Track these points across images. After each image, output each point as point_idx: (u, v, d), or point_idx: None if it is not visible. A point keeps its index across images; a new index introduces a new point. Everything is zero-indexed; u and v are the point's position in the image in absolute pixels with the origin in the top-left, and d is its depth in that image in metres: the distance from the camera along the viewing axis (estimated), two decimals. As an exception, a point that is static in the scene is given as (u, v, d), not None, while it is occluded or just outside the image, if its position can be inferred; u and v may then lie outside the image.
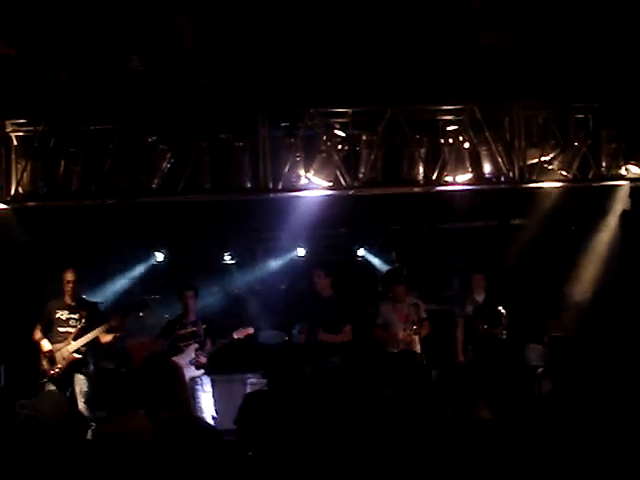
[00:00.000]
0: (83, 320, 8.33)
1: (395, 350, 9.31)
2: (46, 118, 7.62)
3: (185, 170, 7.70)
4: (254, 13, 7.00)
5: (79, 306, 8.43)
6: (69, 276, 8.40)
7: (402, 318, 9.45)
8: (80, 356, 8.26)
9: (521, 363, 9.19)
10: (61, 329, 8.33)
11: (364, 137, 7.77)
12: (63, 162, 7.57)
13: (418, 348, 9.39)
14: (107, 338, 8.42)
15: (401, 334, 9.33)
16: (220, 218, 13.18)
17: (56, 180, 7.60)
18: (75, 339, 8.25)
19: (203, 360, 9.16)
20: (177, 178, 7.77)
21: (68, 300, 8.41)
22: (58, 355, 8.20)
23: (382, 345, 9.86)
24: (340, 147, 7.78)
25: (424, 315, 9.68)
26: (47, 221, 10.72)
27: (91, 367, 8.52)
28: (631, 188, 8.70)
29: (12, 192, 7.65)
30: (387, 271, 12.28)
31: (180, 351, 9.13)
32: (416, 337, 9.37)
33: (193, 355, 9.12)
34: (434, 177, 7.93)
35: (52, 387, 8.19)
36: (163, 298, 12.84)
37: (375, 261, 13.66)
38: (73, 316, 8.35)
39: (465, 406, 4.55)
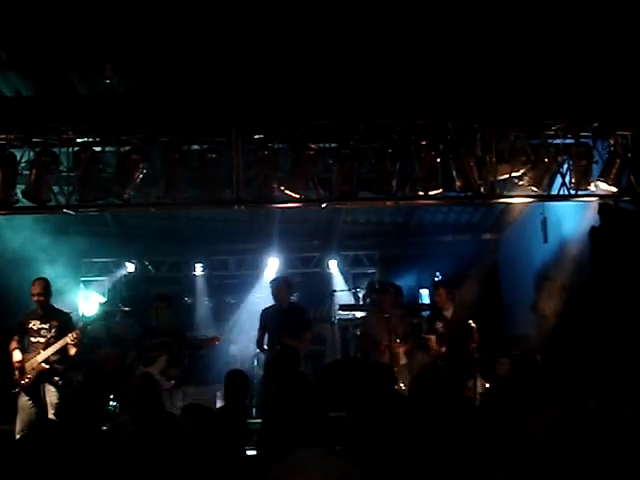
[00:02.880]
0: (53, 330, 8.30)
1: (376, 360, 9.31)
2: (18, 126, 7.56)
3: (158, 181, 7.68)
4: (229, 26, 7.05)
5: (50, 316, 8.39)
6: (35, 288, 8.37)
7: (386, 330, 9.43)
8: (48, 366, 8.21)
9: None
10: (33, 339, 8.31)
11: (337, 151, 7.79)
12: (34, 171, 7.50)
13: (403, 360, 9.41)
14: (73, 351, 8.39)
15: (383, 345, 9.33)
16: (192, 229, 13.19)
17: (27, 189, 7.54)
18: (45, 349, 8.21)
19: (174, 371, 9.12)
20: (150, 189, 7.76)
21: (39, 310, 8.38)
22: (28, 365, 8.17)
23: (366, 355, 9.93)
24: (313, 160, 7.80)
25: (408, 329, 9.69)
26: (17, 228, 10.69)
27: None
28: (600, 205, 8.79)
29: (-17, 201, 7.57)
30: (370, 283, 12.35)
31: (151, 361, 9.08)
32: (400, 350, 9.37)
33: (164, 366, 9.06)
34: (406, 191, 7.97)
35: (24, 397, 8.15)
36: (134, 309, 12.77)
37: (337, 275, 13.70)
38: (44, 326, 8.32)
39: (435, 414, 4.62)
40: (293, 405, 3.89)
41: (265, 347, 9.62)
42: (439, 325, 9.58)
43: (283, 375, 8.75)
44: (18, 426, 8.13)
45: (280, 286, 9.70)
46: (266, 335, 9.60)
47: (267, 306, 9.82)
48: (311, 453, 3.70)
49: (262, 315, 9.70)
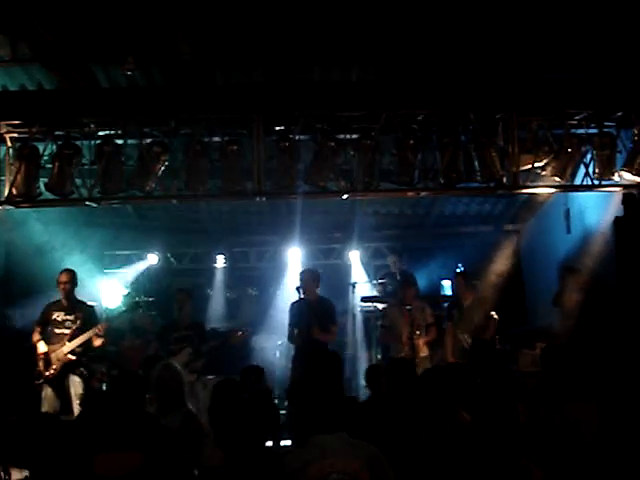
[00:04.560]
0: (79, 321, 8.37)
1: (400, 354, 9.30)
2: (41, 120, 7.61)
3: (179, 173, 7.70)
4: (250, 18, 7.04)
5: (75, 308, 8.46)
6: (62, 277, 8.46)
7: (407, 322, 9.41)
8: (74, 357, 8.28)
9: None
10: (57, 330, 8.36)
11: (359, 141, 7.77)
12: (57, 164, 7.55)
13: (425, 352, 9.39)
14: (98, 342, 8.47)
15: (405, 338, 9.32)
16: (214, 221, 13.22)
17: (50, 182, 7.59)
18: (70, 340, 8.27)
19: (197, 364, 9.16)
20: (171, 181, 7.77)
21: (64, 302, 8.45)
22: (53, 356, 8.22)
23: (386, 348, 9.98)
24: (334, 151, 7.77)
25: (431, 320, 9.67)
26: (41, 221, 10.77)
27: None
28: (623, 195, 8.71)
29: (6, 193, 7.63)
30: (384, 275, 12.31)
31: (173, 354, 9.12)
32: (420, 341, 9.35)
33: (187, 358, 9.10)
34: (427, 182, 7.93)
35: (48, 388, 8.21)
36: (156, 300, 12.83)
37: (358, 267, 13.68)
38: (69, 317, 8.38)
39: (446, 408, 4.62)
40: (317, 392, 4.02)
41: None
42: (457, 314, 9.60)
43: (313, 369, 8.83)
44: None
45: (309, 278, 9.68)
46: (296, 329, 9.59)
47: (296, 300, 9.82)
48: (336, 438, 3.82)
49: (291, 309, 9.70)
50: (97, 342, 8.47)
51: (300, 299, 9.66)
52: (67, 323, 8.38)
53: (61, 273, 8.57)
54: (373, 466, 3.77)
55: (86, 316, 8.47)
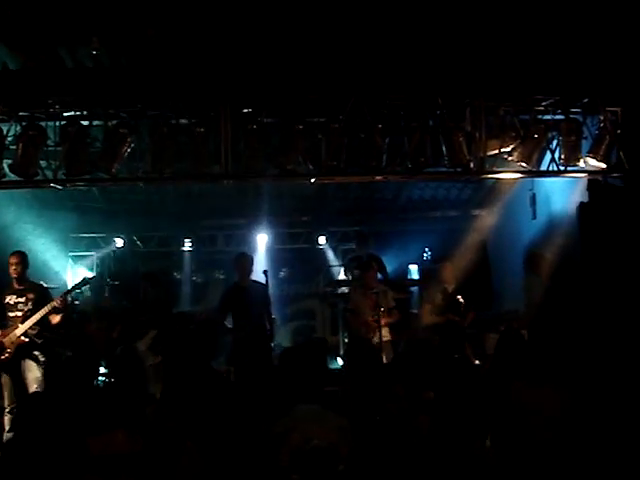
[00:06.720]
0: (30, 303, 8.21)
1: (363, 336, 9.31)
2: (4, 100, 7.49)
3: (146, 155, 7.63)
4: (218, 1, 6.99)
5: (26, 289, 8.31)
6: (12, 259, 8.28)
7: (371, 305, 9.42)
8: (27, 339, 8.13)
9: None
10: (10, 314, 8.21)
11: (326, 125, 7.75)
12: (21, 145, 7.44)
13: (385, 334, 9.40)
14: (56, 319, 8.32)
15: (369, 320, 9.36)
16: (181, 204, 13.14)
17: (14, 163, 7.48)
18: (22, 322, 8.13)
19: (162, 346, 9.13)
20: (137, 163, 7.70)
21: (15, 284, 8.30)
22: (7, 340, 8.07)
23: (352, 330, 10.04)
24: (303, 134, 7.75)
25: (393, 303, 9.70)
26: (4, 203, 10.63)
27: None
28: (589, 180, 8.79)
29: (-31, 175, 7.52)
30: (351, 258, 12.32)
31: (139, 337, 9.09)
32: (384, 324, 9.38)
33: (152, 341, 9.08)
34: (396, 166, 7.95)
35: (4, 374, 8.09)
36: (122, 284, 12.77)
37: (325, 251, 13.75)
38: (20, 300, 8.23)
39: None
40: (298, 368, 4.54)
41: (229, 326, 9.49)
42: (439, 297, 9.62)
43: (256, 353, 8.87)
44: (6, 401, 8.09)
45: (241, 262, 9.63)
46: (229, 315, 9.53)
47: (229, 285, 9.81)
48: (313, 408, 4.33)
49: (224, 294, 9.68)
50: (55, 319, 8.30)
51: (234, 284, 9.65)
52: (19, 305, 8.23)
53: (11, 255, 8.35)
54: (345, 434, 4.22)
55: (37, 296, 8.31)
